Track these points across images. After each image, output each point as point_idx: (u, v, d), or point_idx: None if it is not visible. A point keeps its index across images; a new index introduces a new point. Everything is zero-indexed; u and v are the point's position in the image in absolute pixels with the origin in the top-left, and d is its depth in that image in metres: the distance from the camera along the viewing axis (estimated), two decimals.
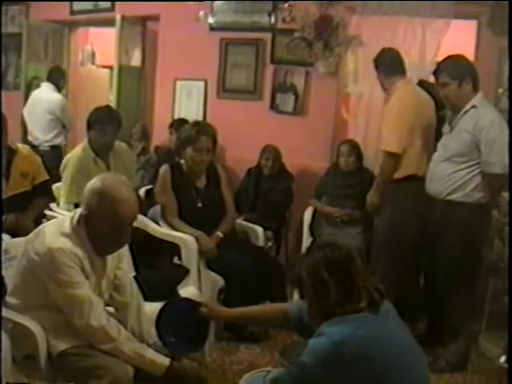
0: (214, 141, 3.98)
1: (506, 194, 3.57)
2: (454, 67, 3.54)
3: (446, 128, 3.64)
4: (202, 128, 4.00)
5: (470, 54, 4.54)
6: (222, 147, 5.54)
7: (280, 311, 2.42)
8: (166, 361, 2.36)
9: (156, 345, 2.47)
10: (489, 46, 4.70)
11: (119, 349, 2.34)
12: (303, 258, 2.18)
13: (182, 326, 2.43)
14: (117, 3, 6.12)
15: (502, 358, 3.52)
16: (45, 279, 2.35)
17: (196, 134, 3.91)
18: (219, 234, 3.87)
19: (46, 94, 6.13)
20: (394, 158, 3.83)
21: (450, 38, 4.78)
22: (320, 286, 1.98)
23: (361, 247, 4.32)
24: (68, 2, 6.42)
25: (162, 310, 2.44)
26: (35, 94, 6.25)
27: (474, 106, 3.44)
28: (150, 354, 2.38)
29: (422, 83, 4.42)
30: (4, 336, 2.30)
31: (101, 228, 2.38)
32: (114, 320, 2.43)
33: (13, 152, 3.71)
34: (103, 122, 4.04)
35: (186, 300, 2.63)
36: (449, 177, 3.50)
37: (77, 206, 3.51)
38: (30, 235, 2.49)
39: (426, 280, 3.92)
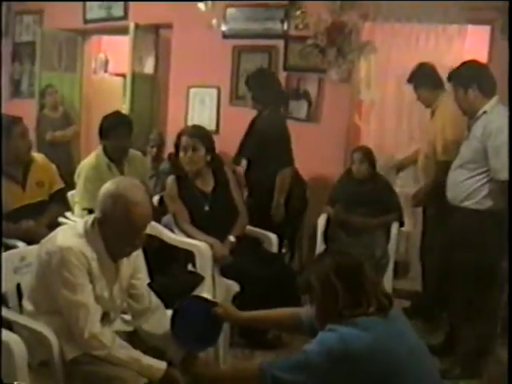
0: (203, 140, 3.92)
1: None
2: (459, 74, 3.55)
3: (465, 134, 3.61)
4: (183, 130, 4.04)
5: (483, 60, 4.53)
6: None
7: (293, 315, 2.44)
8: (162, 365, 2.36)
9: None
10: (502, 51, 4.65)
11: (114, 355, 2.33)
12: (313, 264, 2.21)
13: (195, 324, 2.47)
14: (130, 12, 6.15)
15: None
16: (52, 279, 2.34)
17: (177, 136, 3.96)
18: (231, 238, 3.85)
19: None
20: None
21: (463, 44, 4.77)
22: (329, 291, 2.00)
23: (374, 254, 4.32)
24: (81, 12, 6.47)
25: (179, 307, 2.49)
26: None
27: (484, 112, 3.42)
28: (147, 359, 2.37)
29: None
30: (19, 342, 2.30)
31: (114, 230, 2.37)
32: (109, 330, 2.43)
33: (29, 161, 3.74)
34: (115, 125, 4.06)
35: (203, 299, 2.64)
36: (461, 184, 3.48)
37: (90, 212, 3.54)
38: (45, 239, 2.50)
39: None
